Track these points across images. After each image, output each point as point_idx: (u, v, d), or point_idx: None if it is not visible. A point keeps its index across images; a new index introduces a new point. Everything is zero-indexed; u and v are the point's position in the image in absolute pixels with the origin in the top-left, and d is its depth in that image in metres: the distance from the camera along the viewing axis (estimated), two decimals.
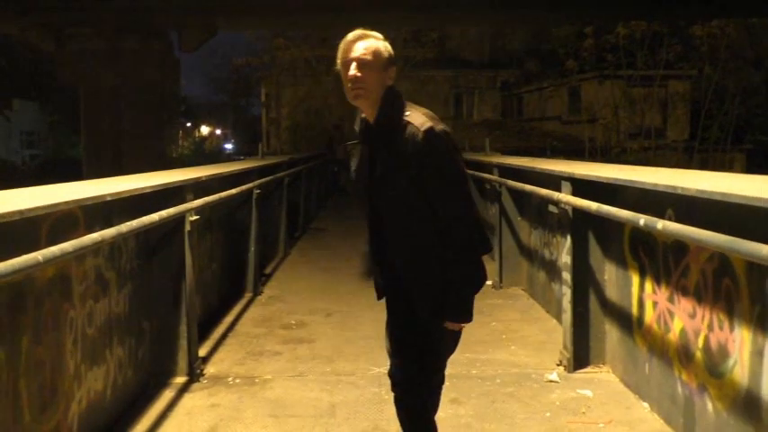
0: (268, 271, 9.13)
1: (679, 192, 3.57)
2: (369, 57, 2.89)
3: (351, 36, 2.93)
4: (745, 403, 3.29)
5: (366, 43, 2.91)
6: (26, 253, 2.69)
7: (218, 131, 72.48)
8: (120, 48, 20.56)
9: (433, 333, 3.03)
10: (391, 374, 3.22)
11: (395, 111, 2.93)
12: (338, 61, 2.95)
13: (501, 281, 8.02)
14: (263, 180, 8.44)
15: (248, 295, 7.71)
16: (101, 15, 19.82)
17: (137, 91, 20.98)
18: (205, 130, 69.57)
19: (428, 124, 2.84)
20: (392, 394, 3.24)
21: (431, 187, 2.88)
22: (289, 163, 11.86)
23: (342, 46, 2.94)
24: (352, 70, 2.88)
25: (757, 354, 3.17)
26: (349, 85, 2.90)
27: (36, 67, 42.14)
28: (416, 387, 3.15)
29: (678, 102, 30.50)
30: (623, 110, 28.22)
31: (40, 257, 2.60)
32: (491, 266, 7.78)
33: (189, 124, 64.53)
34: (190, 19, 21.35)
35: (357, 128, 3.09)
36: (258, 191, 7.97)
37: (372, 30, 3.00)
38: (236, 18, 22.50)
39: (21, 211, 2.70)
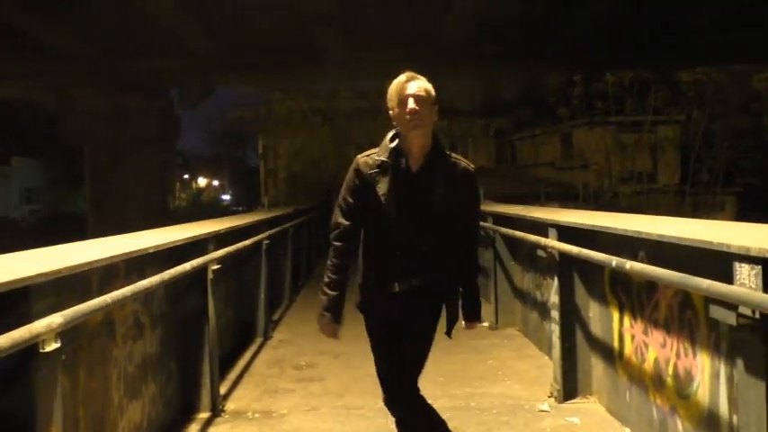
0: (276, 317, 9.52)
1: (643, 236, 4.11)
2: (423, 93, 3.40)
3: (402, 78, 3.44)
4: (708, 420, 3.74)
5: (418, 83, 3.43)
6: (82, 300, 3.18)
7: (216, 183, 72.85)
8: (123, 106, 21.27)
9: (431, 340, 3.64)
10: (395, 397, 3.69)
11: (443, 145, 3.53)
12: (393, 100, 3.43)
13: (497, 322, 8.43)
14: (272, 231, 8.94)
15: (259, 340, 8.09)
16: (105, 75, 20.51)
17: (140, 147, 21.62)
18: (202, 181, 70.01)
19: (471, 164, 3.60)
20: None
21: (472, 205, 3.69)
22: (293, 214, 12.38)
23: (395, 87, 3.43)
24: (411, 104, 3.35)
25: (715, 376, 3.64)
26: (408, 117, 3.36)
27: (35, 123, 42.69)
28: (415, 402, 3.64)
29: (668, 146, 30.94)
30: (614, 155, 28.68)
31: (109, 299, 3.11)
32: (487, 308, 8.24)
33: (186, 176, 65.04)
34: (190, 78, 22.08)
35: (384, 158, 3.43)
36: (267, 242, 8.46)
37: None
38: (234, 76, 23.23)
39: (88, 263, 3.21)
